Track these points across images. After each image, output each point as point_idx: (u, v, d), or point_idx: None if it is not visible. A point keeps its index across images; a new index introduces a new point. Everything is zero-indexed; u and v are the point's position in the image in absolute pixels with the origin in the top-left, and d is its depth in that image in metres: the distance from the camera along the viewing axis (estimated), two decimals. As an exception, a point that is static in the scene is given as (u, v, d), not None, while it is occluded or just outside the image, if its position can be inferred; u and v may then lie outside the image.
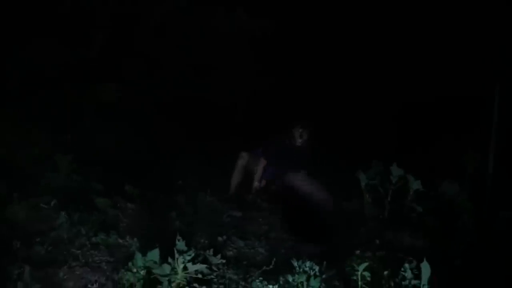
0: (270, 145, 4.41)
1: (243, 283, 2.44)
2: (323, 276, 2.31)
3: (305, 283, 2.21)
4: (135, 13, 5.81)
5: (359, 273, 2.30)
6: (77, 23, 5.41)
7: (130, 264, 2.31)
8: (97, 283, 2.37)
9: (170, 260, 2.30)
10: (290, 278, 2.26)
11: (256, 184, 4.23)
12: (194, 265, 2.31)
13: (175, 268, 2.28)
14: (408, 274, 2.31)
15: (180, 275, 2.28)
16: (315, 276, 2.23)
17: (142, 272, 2.27)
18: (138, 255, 2.30)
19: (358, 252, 2.63)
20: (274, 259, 2.59)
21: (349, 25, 6.14)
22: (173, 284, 2.28)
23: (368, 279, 2.32)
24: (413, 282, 2.28)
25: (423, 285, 2.15)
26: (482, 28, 4.87)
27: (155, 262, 2.27)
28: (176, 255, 2.29)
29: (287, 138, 4.39)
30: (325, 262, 2.36)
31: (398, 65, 5.96)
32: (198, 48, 5.98)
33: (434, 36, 5.67)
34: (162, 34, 5.93)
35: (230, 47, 6.11)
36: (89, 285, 2.36)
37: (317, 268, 2.28)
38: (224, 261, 2.60)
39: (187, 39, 5.92)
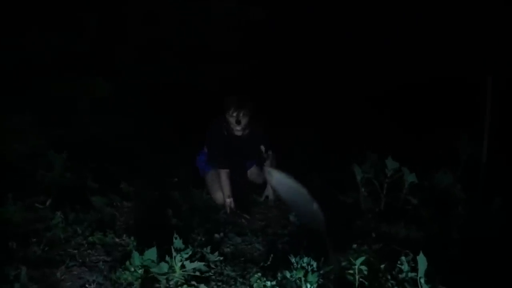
0: (209, 144, 3.49)
1: (241, 280, 2.44)
2: (321, 271, 2.32)
3: (303, 279, 2.22)
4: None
5: (356, 267, 2.31)
6: (66, 10, 5.31)
7: (127, 263, 2.32)
8: (94, 283, 2.36)
9: (167, 258, 2.30)
10: (288, 274, 2.27)
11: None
12: (192, 263, 2.32)
13: (173, 267, 2.29)
14: (405, 267, 2.33)
15: (178, 273, 2.29)
16: (313, 271, 2.24)
17: (140, 271, 2.28)
18: (136, 254, 2.31)
19: (354, 246, 2.63)
20: (272, 255, 2.60)
21: (337, 11, 6.12)
22: (171, 283, 2.29)
23: (365, 272, 2.34)
24: (410, 274, 2.30)
25: (420, 278, 2.17)
26: (477, 13, 4.88)
27: (152, 261, 2.28)
28: (174, 253, 2.29)
29: (223, 128, 3.40)
30: (322, 258, 2.37)
31: (390, 53, 5.97)
32: (190, 34, 5.90)
33: (427, 23, 5.67)
34: (152, 21, 5.84)
35: (221, 33, 6.03)
36: (87, 285, 2.35)
37: (314, 263, 2.29)
38: (221, 258, 2.61)
39: (180, 25, 5.84)
